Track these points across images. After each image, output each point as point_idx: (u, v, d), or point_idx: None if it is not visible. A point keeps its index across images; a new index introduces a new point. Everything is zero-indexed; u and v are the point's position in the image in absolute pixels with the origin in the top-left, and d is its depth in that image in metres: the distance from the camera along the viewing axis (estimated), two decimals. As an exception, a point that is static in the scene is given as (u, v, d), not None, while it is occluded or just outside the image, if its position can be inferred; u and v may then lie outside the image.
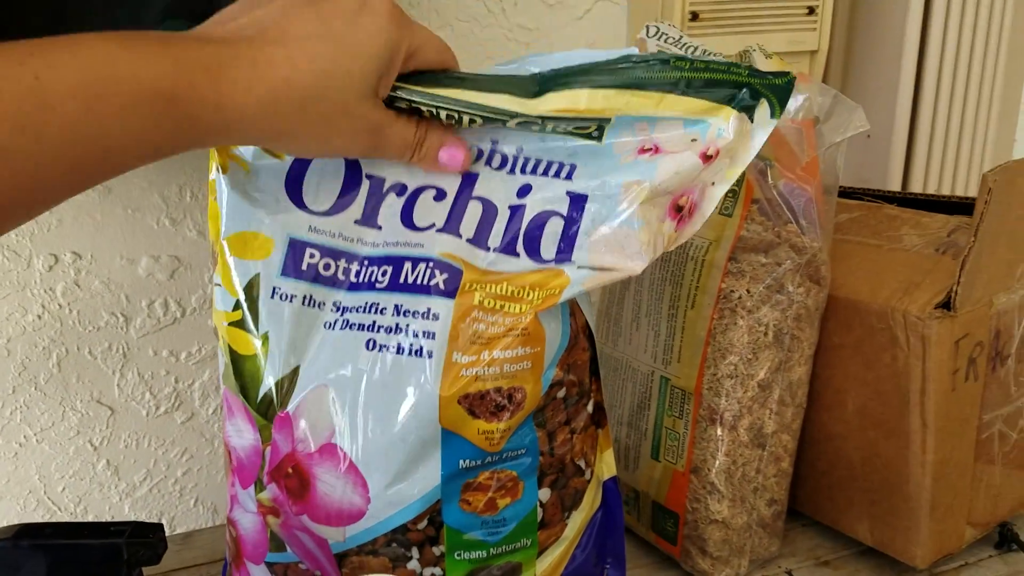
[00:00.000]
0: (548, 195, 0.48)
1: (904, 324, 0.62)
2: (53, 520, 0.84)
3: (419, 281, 0.48)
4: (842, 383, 0.67)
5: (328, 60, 0.40)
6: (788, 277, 0.62)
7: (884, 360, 0.64)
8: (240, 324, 0.49)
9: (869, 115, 0.63)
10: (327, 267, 0.49)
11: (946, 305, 0.61)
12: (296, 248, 0.49)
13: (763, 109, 0.47)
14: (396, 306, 0.48)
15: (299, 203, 0.49)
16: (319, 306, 0.49)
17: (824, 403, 0.69)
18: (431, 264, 0.48)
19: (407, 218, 0.49)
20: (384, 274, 0.49)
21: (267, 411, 0.49)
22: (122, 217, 0.78)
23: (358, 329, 0.48)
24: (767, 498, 0.66)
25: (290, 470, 0.49)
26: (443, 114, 0.46)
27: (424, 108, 0.45)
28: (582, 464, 0.54)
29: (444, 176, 0.49)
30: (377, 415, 0.48)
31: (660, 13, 0.91)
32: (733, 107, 0.46)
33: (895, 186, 1.09)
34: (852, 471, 0.68)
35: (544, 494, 0.52)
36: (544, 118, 0.46)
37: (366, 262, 0.49)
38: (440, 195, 0.49)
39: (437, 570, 0.50)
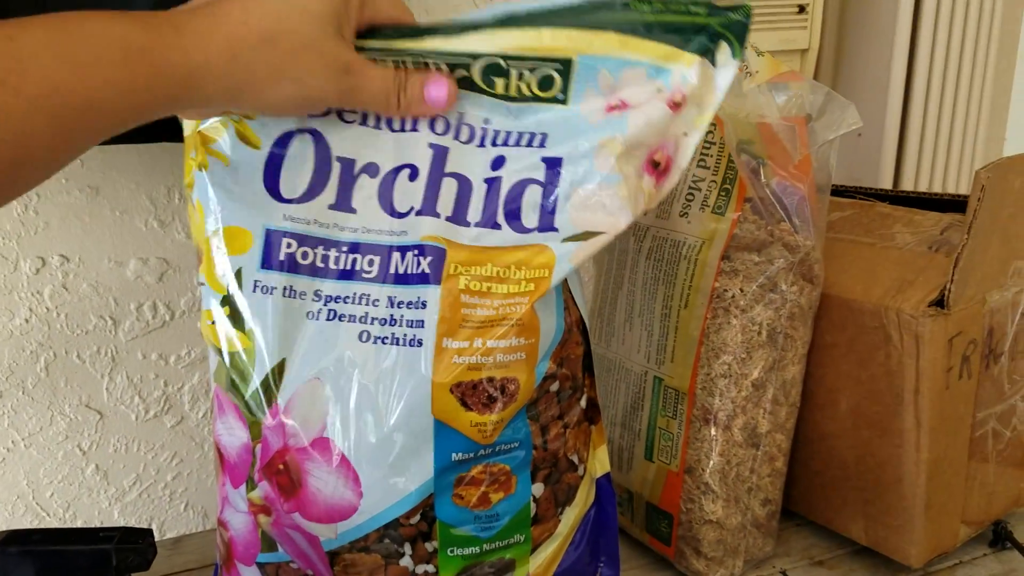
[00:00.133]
0: (523, 164, 0.48)
1: (897, 322, 0.62)
2: (41, 526, 0.83)
3: (409, 270, 0.48)
4: (835, 382, 0.67)
5: (281, 1, 0.41)
6: (781, 276, 0.62)
7: (877, 359, 0.64)
8: (227, 321, 0.49)
9: (860, 113, 0.62)
10: (304, 256, 0.48)
11: (939, 303, 0.61)
12: (272, 238, 0.48)
13: (724, 51, 0.48)
14: (390, 298, 0.48)
15: (274, 193, 0.49)
16: (300, 296, 0.48)
17: (818, 402, 0.68)
18: (416, 251, 0.48)
19: (387, 204, 0.49)
20: (371, 263, 0.48)
21: (257, 407, 0.49)
22: (110, 219, 0.77)
23: (349, 321, 0.48)
24: (761, 498, 0.66)
25: (281, 466, 0.48)
26: (408, 63, 0.46)
27: (390, 61, 0.46)
28: (575, 459, 0.54)
29: (414, 152, 0.48)
30: (370, 408, 0.47)
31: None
32: (694, 52, 0.47)
33: (886, 184, 1.09)
34: (846, 470, 0.68)
35: (537, 489, 0.52)
36: (507, 57, 0.47)
37: (345, 248, 0.48)
38: (414, 174, 0.48)
39: (430, 567, 0.50)
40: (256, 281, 0.48)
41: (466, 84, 0.47)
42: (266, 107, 0.45)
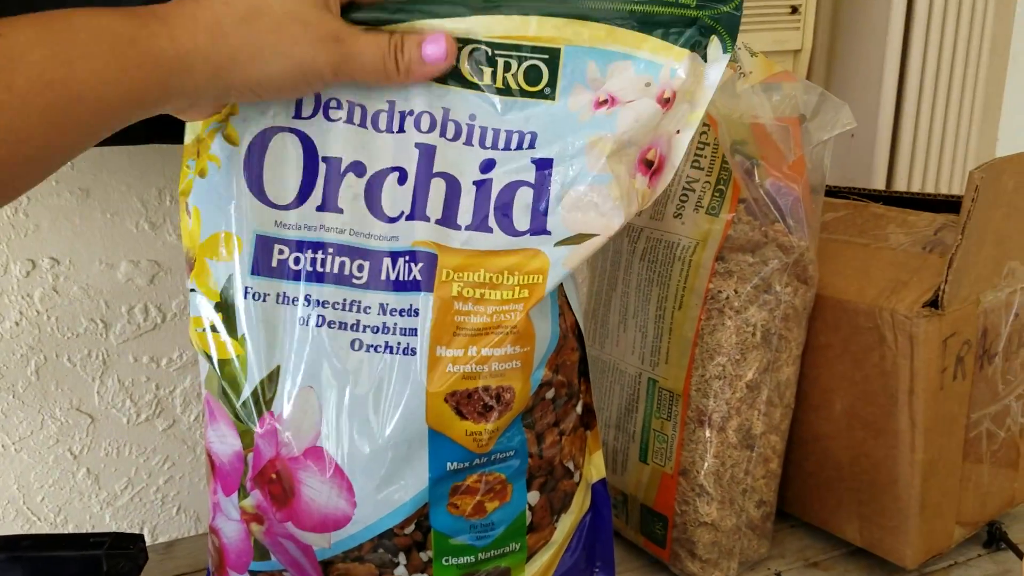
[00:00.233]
0: (513, 166, 0.47)
1: (892, 323, 0.61)
2: (32, 530, 0.82)
3: (400, 277, 0.47)
4: (830, 383, 0.67)
5: None
6: (775, 277, 0.62)
7: (872, 359, 0.63)
8: (219, 328, 0.48)
9: (853, 114, 0.62)
10: (296, 261, 0.48)
11: (934, 304, 0.61)
12: (264, 244, 0.48)
13: (715, 45, 0.47)
14: (381, 305, 0.47)
15: (262, 197, 0.48)
16: (292, 302, 0.48)
17: (812, 403, 0.68)
18: (408, 257, 0.47)
19: (375, 207, 0.48)
20: (361, 269, 0.48)
21: (250, 415, 0.48)
22: (101, 221, 0.77)
23: (340, 328, 0.47)
24: (756, 499, 0.66)
25: (274, 475, 0.48)
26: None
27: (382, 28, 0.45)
28: (571, 466, 0.53)
29: (401, 153, 0.48)
30: (364, 416, 0.47)
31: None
32: (684, 46, 0.46)
33: (879, 184, 1.09)
34: (840, 471, 0.68)
35: (533, 497, 0.51)
36: (494, 45, 0.46)
37: (332, 250, 0.48)
38: (403, 177, 0.48)
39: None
40: (247, 287, 0.48)
41: (452, 78, 0.47)
42: (258, 87, 0.43)
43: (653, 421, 0.66)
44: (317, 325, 0.48)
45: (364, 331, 0.47)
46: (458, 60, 0.47)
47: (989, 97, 1.14)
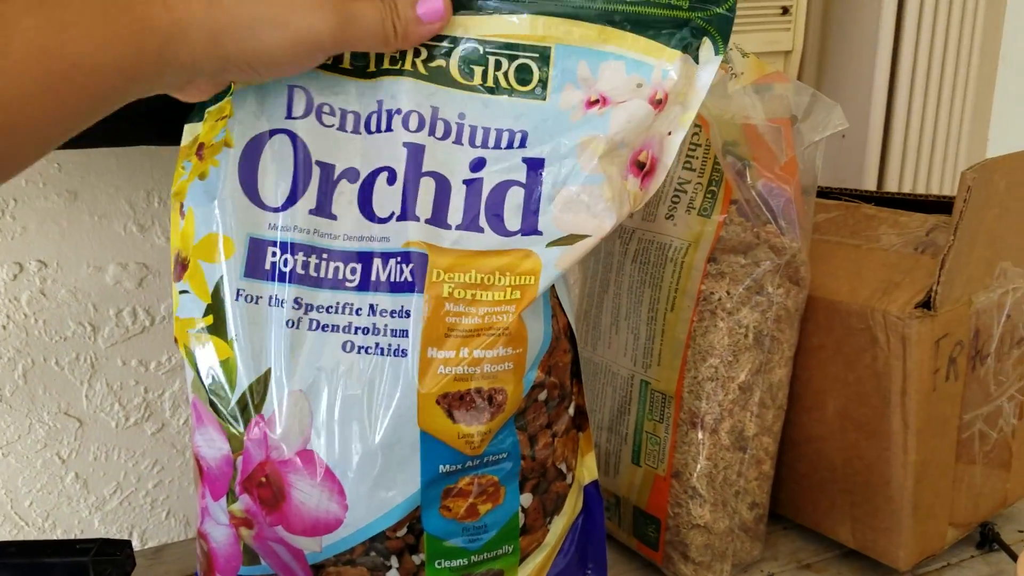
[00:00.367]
0: (503, 165, 0.47)
1: (884, 324, 0.61)
2: (20, 536, 0.82)
3: (391, 278, 0.47)
4: (822, 384, 0.67)
5: None
6: (768, 278, 0.62)
7: (864, 361, 0.63)
8: (209, 330, 0.48)
9: (844, 115, 0.62)
10: (287, 264, 0.47)
11: (926, 305, 0.61)
12: (257, 247, 0.48)
13: (707, 47, 0.47)
14: (371, 306, 0.47)
15: (255, 200, 0.48)
16: (282, 305, 0.47)
17: (804, 405, 0.68)
18: (399, 258, 0.47)
19: (367, 209, 0.48)
20: (353, 272, 0.47)
21: (238, 418, 0.48)
22: (89, 224, 0.76)
23: (332, 331, 0.47)
24: (749, 501, 0.66)
25: (263, 479, 0.48)
26: None
27: None
28: (563, 468, 0.53)
29: (390, 153, 0.47)
30: (355, 419, 0.46)
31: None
32: (676, 47, 0.46)
33: (870, 185, 1.09)
34: (833, 473, 0.68)
35: (526, 499, 0.51)
36: (484, 43, 0.46)
37: (326, 256, 0.47)
38: (392, 177, 0.47)
39: None
40: (239, 290, 0.47)
41: (440, 77, 0.47)
42: (255, 59, 0.42)
43: (645, 423, 0.65)
44: (309, 328, 0.47)
45: (355, 333, 0.47)
46: (448, 59, 0.46)
47: (980, 97, 1.15)
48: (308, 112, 0.47)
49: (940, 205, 0.69)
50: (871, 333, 0.62)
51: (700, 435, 0.63)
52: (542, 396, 0.51)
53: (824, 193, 0.77)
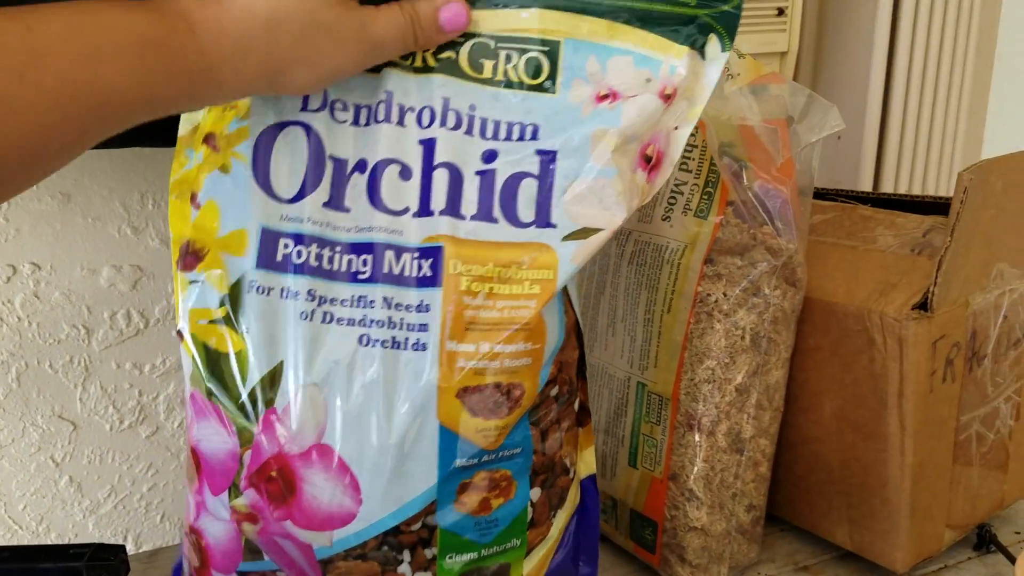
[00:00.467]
0: (516, 157, 0.47)
1: (881, 326, 0.61)
2: (14, 539, 0.81)
3: (405, 272, 0.47)
4: (819, 386, 0.67)
5: None
6: (764, 279, 0.61)
7: (861, 362, 0.63)
8: (222, 322, 0.48)
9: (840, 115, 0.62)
10: (299, 255, 0.48)
11: (923, 306, 0.60)
12: (269, 238, 0.48)
13: (713, 44, 0.48)
14: (385, 299, 0.47)
15: (268, 191, 0.48)
16: (295, 297, 0.47)
17: (801, 406, 0.68)
18: (415, 254, 0.47)
19: (374, 197, 0.48)
20: (365, 264, 0.47)
21: (249, 412, 0.47)
22: (82, 226, 0.76)
23: (347, 324, 0.47)
24: (746, 504, 0.66)
25: (274, 473, 0.47)
26: None
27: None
28: (568, 463, 0.53)
29: (403, 148, 0.47)
30: (372, 412, 0.46)
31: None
32: (684, 44, 0.47)
33: (866, 186, 1.09)
34: (830, 475, 0.67)
35: (535, 493, 0.51)
36: (495, 37, 0.46)
37: (339, 248, 0.48)
38: (406, 172, 0.47)
39: (427, 575, 0.49)
40: (252, 281, 0.47)
41: (450, 69, 0.47)
42: (284, 91, 0.44)
43: (642, 425, 0.65)
44: (323, 321, 0.47)
45: (371, 326, 0.47)
46: (458, 53, 0.47)
47: (975, 98, 1.15)
48: (323, 107, 0.48)
49: (936, 206, 0.69)
50: (868, 334, 0.62)
51: (697, 437, 0.63)
52: (554, 392, 0.51)
53: (820, 194, 0.76)
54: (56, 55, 0.34)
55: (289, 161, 0.48)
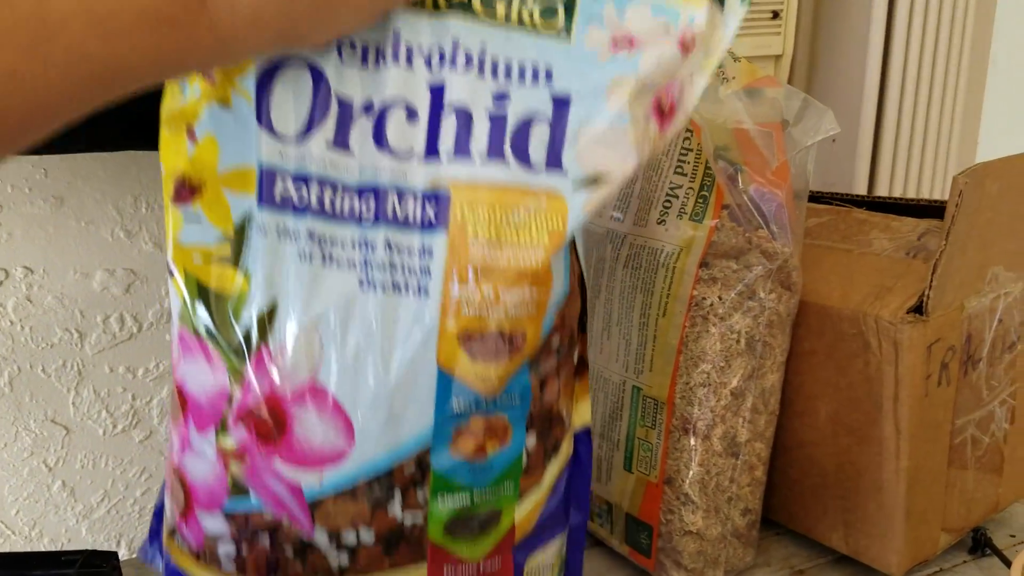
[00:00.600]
0: (528, 101, 0.46)
1: (876, 329, 0.61)
2: (6, 544, 0.81)
3: (409, 216, 0.46)
4: (814, 389, 0.67)
5: None
6: (759, 283, 0.61)
7: (856, 366, 0.63)
8: (219, 259, 0.47)
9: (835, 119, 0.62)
10: (301, 195, 0.47)
11: (918, 309, 0.60)
12: (271, 177, 0.47)
13: None
14: (387, 241, 0.46)
15: (271, 129, 0.47)
16: (295, 237, 0.47)
17: (796, 410, 0.68)
18: (420, 197, 0.46)
19: (380, 139, 0.47)
20: (368, 206, 0.47)
21: (242, 350, 0.47)
22: (75, 230, 0.76)
23: (348, 267, 0.46)
24: (741, 507, 0.66)
25: (264, 412, 0.47)
26: None
27: None
28: (563, 413, 0.53)
29: (411, 90, 0.47)
30: (369, 355, 0.46)
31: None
32: None
33: (861, 190, 1.09)
34: (825, 478, 0.67)
35: (530, 442, 0.51)
36: None
37: (342, 190, 0.47)
38: (412, 115, 0.47)
39: (419, 517, 0.48)
40: (253, 220, 0.47)
41: (463, 10, 0.46)
42: (304, 47, 0.44)
43: (637, 429, 0.65)
44: (323, 262, 0.47)
45: (372, 269, 0.46)
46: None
47: (970, 101, 1.15)
48: (329, 45, 0.47)
49: (931, 209, 0.69)
50: (863, 338, 0.62)
51: (692, 441, 0.62)
52: (555, 343, 0.50)
53: (815, 197, 0.76)
54: (67, 29, 0.34)
55: (293, 99, 0.47)
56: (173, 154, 0.49)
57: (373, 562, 0.49)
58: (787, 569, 0.70)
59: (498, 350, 0.47)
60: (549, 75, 0.46)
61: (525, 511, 0.52)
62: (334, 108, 0.47)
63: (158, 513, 0.54)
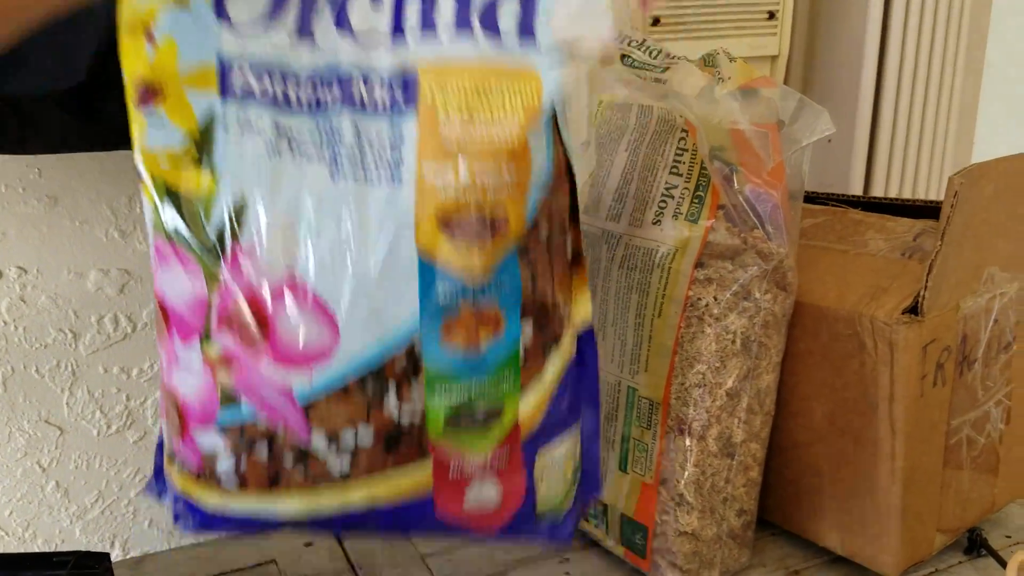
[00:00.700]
0: None
1: (871, 330, 0.61)
2: None
3: (377, 101, 0.46)
4: (809, 390, 0.67)
5: None
6: (755, 283, 0.61)
7: (852, 366, 0.63)
8: (185, 161, 0.46)
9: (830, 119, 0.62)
10: (264, 88, 0.46)
11: (913, 310, 0.60)
12: (228, 69, 0.46)
13: None
14: (356, 129, 0.45)
15: (228, 21, 0.46)
16: (259, 131, 0.46)
17: (792, 410, 0.68)
18: (386, 82, 0.45)
19: (343, 22, 0.46)
20: (333, 95, 0.46)
21: (217, 251, 0.46)
22: (69, 229, 0.76)
23: (318, 159, 0.46)
24: (736, 508, 0.66)
25: (245, 313, 0.46)
26: None
27: None
28: (560, 305, 0.51)
29: None
30: (346, 246, 0.45)
31: (621, 18, 0.90)
32: None
33: (857, 190, 1.09)
34: (821, 479, 0.67)
35: (527, 332, 0.49)
36: None
37: (305, 78, 0.46)
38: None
39: (417, 414, 0.47)
40: (217, 118, 0.46)
41: None
42: None
43: (633, 430, 0.65)
44: (291, 154, 0.46)
45: (343, 159, 0.45)
46: None
47: (965, 102, 1.15)
48: None
49: (927, 210, 0.69)
50: (858, 339, 0.62)
51: (688, 442, 0.62)
52: (544, 233, 0.49)
53: (811, 198, 0.76)
54: None
55: None
56: (134, 59, 0.47)
57: (375, 463, 0.48)
58: (783, 570, 0.69)
59: (480, 233, 0.45)
60: None
61: (530, 405, 0.50)
62: None
63: (160, 446, 0.53)
